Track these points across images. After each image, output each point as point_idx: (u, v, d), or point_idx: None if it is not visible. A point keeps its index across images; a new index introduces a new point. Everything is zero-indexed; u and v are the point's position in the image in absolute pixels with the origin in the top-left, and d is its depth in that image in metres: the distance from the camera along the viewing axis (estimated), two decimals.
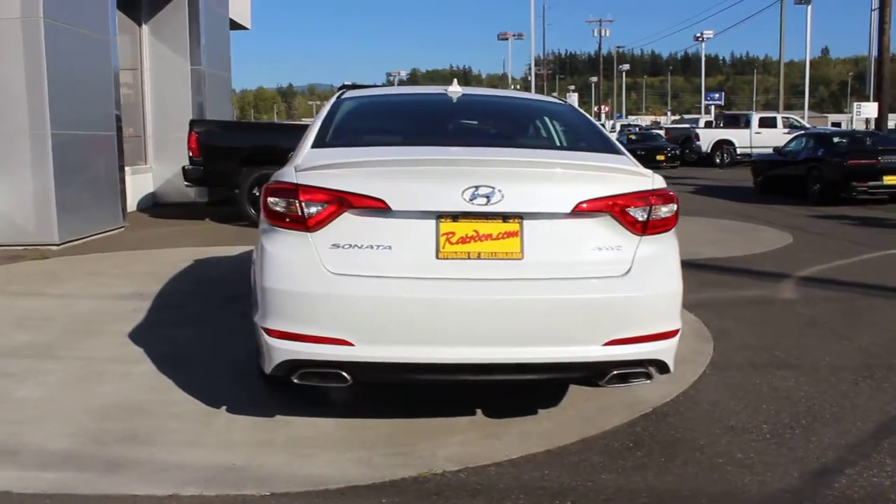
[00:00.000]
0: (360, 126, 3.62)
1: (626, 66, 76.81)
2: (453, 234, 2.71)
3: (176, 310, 5.22)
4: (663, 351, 2.82)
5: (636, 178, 2.87)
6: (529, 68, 51.06)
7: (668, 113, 71.37)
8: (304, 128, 3.64)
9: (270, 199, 2.86)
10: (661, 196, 2.87)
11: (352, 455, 2.87)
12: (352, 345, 2.66)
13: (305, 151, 3.09)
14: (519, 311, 2.70)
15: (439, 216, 2.72)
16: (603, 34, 61.86)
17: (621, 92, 77.31)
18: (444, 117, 3.78)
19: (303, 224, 2.76)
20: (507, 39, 55.67)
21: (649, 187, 2.86)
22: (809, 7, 33.68)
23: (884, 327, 4.82)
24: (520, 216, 2.74)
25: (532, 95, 5.52)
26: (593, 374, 2.81)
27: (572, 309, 2.72)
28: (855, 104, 26.02)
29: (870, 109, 23.62)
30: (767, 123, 26.00)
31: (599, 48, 67.37)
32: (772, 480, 2.68)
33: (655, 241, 2.85)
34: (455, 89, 3.79)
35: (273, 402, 3.33)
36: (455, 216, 2.72)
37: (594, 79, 71.74)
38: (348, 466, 2.79)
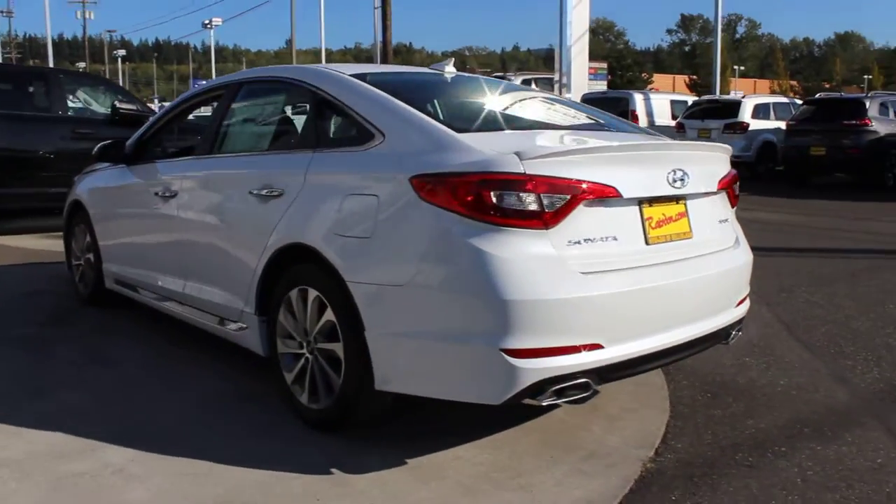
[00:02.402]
0: (469, 110, 3.30)
1: (122, 52, 72.42)
2: (651, 218, 2.83)
3: None
4: (746, 309, 3.39)
5: (728, 158, 3.38)
6: None
7: (156, 100, 70.09)
8: None
9: (493, 193, 2.48)
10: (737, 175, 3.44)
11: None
12: (602, 347, 2.57)
13: (457, 137, 2.71)
14: (706, 286, 2.95)
15: (640, 202, 2.81)
16: (87, 16, 57.58)
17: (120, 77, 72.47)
18: (520, 98, 3.71)
19: (540, 220, 2.50)
20: None
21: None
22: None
23: None
24: (684, 197, 2.98)
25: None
26: (724, 335, 3.19)
27: (729, 278, 3.09)
28: None
29: None
30: None
31: (85, 31, 62.60)
32: None
33: (734, 213, 3.42)
34: (451, 69, 3.70)
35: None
36: (651, 201, 2.82)
37: (82, 64, 65.90)
38: None
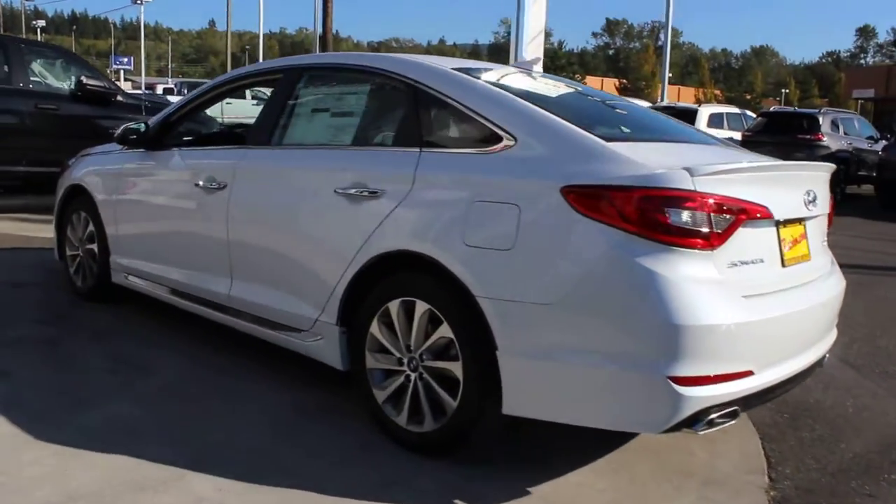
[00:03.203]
0: (589, 115, 3.08)
1: (42, 23, 68.07)
2: (784, 240, 2.73)
3: None
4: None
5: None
6: None
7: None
8: None
9: (664, 210, 2.30)
10: None
11: None
12: (752, 374, 2.44)
13: (609, 147, 2.52)
14: (826, 309, 2.86)
15: (777, 223, 2.69)
16: None
17: None
18: (613, 103, 3.49)
19: (707, 241, 2.34)
20: None
21: None
22: None
23: None
24: (805, 219, 2.88)
25: None
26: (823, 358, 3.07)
27: (837, 300, 3.00)
28: None
29: None
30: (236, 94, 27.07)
31: None
32: None
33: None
34: (538, 69, 3.51)
35: None
36: (786, 222, 2.71)
37: None
38: None
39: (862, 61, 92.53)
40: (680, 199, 2.33)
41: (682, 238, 2.32)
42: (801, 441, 3.21)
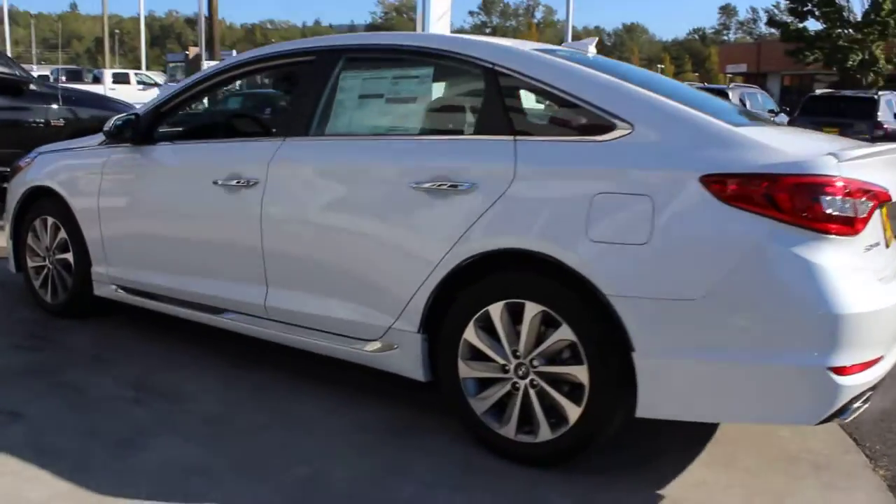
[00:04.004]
0: (687, 99, 2.86)
1: None
2: (884, 222, 2.69)
3: None
4: None
5: None
6: None
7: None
8: None
9: (817, 197, 2.20)
10: None
11: None
12: (883, 358, 2.39)
13: (741, 133, 2.40)
14: None
15: (882, 205, 2.64)
16: None
17: None
18: (677, 86, 3.33)
19: (853, 227, 2.26)
20: None
21: None
22: None
23: None
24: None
25: None
26: None
27: None
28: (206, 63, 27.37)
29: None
30: (121, 79, 25.99)
31: None
32: None
33: None
34: (593, 49, 3.32)
35: None
36: (884, 205, 2.68)
37: None
38: None
39: (725, 38, 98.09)
40: (830, 185, 2.24)
41: (833, 224, 2.24)
42: (873, 416, 3.23)
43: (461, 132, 2.85)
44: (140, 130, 3.56)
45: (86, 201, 3.78)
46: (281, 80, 12.59)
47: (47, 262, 4.06)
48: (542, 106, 2.72)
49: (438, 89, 3.04)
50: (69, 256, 3.92)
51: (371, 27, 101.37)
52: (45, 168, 4.08)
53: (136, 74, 28.37)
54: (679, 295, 2.26)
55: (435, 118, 2.96)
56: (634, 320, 2.31)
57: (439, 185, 2.65)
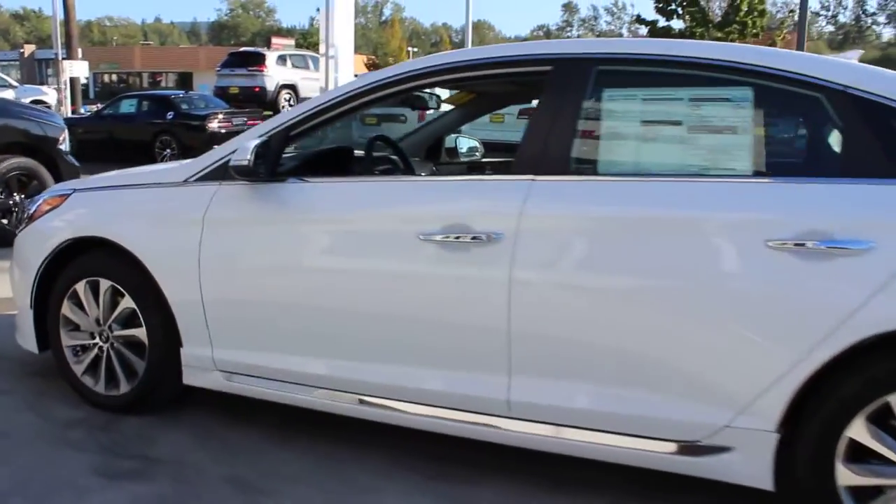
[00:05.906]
0: None
1: None
2: None
3: None
4: None
5: None
6: None
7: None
8: None
9: None
10: None
11: None
12: None
13: None
14: None
15: None
16: None
17: None
18: None
19: None
20: None
21: None
22: None
23: None
24: None
25: None
26: None
27: None
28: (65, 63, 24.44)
29: (80, 68, 22.69)
30: None
31: None
32: None
33: None
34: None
35: None
36: None
37: None
38: None
39: (569, 34, 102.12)
40: None
41: None
42: None
43: (818, 173, 2.18)
44: (271, 162, 2.63)
45: (176, 260, 2.76)
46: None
47: (98, 339, 2.98)
48: None
49: (770, 117, 2.32)
50: (139, 333, 2.88)
51: (216, 25, 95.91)
52: (90, 211, 2.99)
53: None
54: None
55: (776, 154, 2.29)
56: None
57: (808, 245, 2.00)
